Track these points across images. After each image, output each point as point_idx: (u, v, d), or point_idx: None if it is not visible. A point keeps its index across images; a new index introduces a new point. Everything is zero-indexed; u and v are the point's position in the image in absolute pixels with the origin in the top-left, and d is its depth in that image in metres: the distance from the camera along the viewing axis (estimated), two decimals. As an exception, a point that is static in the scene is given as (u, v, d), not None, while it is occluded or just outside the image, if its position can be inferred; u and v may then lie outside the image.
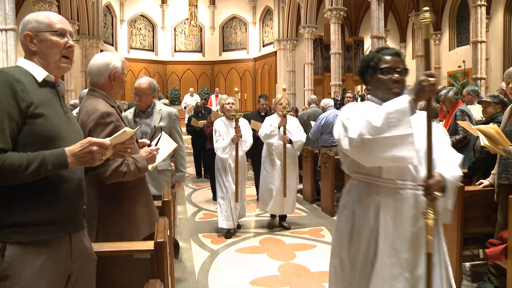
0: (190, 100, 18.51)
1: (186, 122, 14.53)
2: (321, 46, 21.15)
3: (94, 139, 1.84)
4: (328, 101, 8.49)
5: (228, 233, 6.05)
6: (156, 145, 2.98)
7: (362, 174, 2.37)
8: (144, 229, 2.78)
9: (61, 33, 2.01)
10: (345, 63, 21.10)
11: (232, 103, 6.07)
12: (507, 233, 3.64)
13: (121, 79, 2.79)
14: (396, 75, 2.39)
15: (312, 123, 8.33)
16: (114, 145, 1.96)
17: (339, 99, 15.72)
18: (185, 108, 18.07)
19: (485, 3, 14.26)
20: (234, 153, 5.86)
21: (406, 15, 24.12)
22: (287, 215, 6.65)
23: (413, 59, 23.69)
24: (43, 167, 1.78)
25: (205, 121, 9.21)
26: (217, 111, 8.31)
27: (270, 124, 6.31)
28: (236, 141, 5.75)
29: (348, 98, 10.61)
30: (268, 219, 6.79)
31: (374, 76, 2.43)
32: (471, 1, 14.29)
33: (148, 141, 2.96)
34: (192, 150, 11.53)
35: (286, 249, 5.52)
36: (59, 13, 16.29)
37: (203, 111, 10.96)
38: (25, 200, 1.84)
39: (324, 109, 8.20)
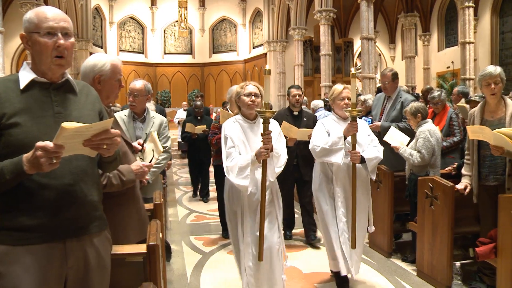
0: (183, 114, 15.13)
1: (179, 132, 12.44)
2: (311, 47, 21.20)
3: (39, 143, 1.70)
4: (318, 103, 8.51)
5: None
6: (143, 144, 3.03)
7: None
8: (133, 236, 2.74)
9: (50, 32, 1.94)
10: (335, 65, 21.16)
11: (256, 94, 3.61)
12: (497, 232, 3.68)
13: (109, 83, 2.65)
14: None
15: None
16: (90, 139, 1.79)
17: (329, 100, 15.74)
18: (178, 123, 15.07)
19: (473, 4, 14.37)
20: (258, 177, 3.52)
21: (395, 16, 24.23)
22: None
23: (402, 60, 23.81)
24: (2, 177, 1.78)
25: (204, 126, 8.04)
26: (225, 110, 6.29)
27: (327, 131, 4.13)
28: (264, 157, 3.32)
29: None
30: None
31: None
32: (459, 3, 14.40)
33: (139, 147, 2.98)
34: (188, 164, 9.61)
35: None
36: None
37: (203, 114, 8.84)
38: (4, 206, 1.87)
39: (314, 111, 8.21)
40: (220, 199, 5.85)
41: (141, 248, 2.38)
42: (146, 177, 3.51)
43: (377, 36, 22.46)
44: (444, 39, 22.69)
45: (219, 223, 6.17)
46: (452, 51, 20.80)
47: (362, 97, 6.90)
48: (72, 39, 2.03)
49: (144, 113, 4.26)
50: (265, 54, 24.04)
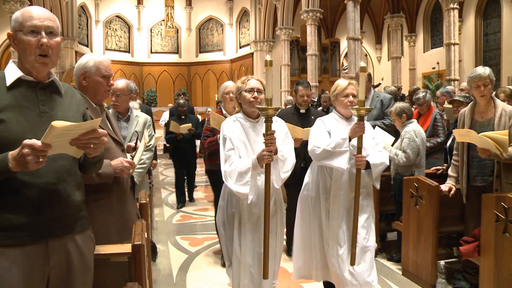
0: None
1: (164, 134, 12.16)
2: (298, 47, 21.25)
3: (26, 141, 1.70)
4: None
5: None
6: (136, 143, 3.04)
7: None
8: (113, 235, 2.69)
9: (34, 31, 1.94)
10: (322, 65, 21.24)
11: (259, 89, 3.23)
12: (480, 231, 3.73)
13: (94, 80, 2.72)
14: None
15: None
16: (77, 138, 1.81)
17: (315, 100, 15.82)
18: (165, 125, 14.51)
19: (458, 6, 14.51)
20: (260, 183, 3.14)
21: (381, 17, 24.38)
22: None
23: (388, 60, 23.97)
24: None
25: (189, 124, 7.71)
26: (219, 109, 5.46)
27: (327, 131, 3.60)
28: (267, 160, 2.92)
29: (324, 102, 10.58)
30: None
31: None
32: (444, 5, 14.53)
33: (133, 144, 2.99)
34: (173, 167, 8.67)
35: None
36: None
37: (186, 113, 8.27)
38: None
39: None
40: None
41: (126, 248, 2.37)
42: (135, 179, 3.50)
43: (364, 36, 22.60)
44: (430, 40, 22.89)
45: (205, 223, 6.14)
46: (438, 52, 20.99)
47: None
48: (58, 39, 2.02)
49: (128, 112, 4.23)
50: (252, 54, 24.04)
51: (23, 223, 1.88)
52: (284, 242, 3.46)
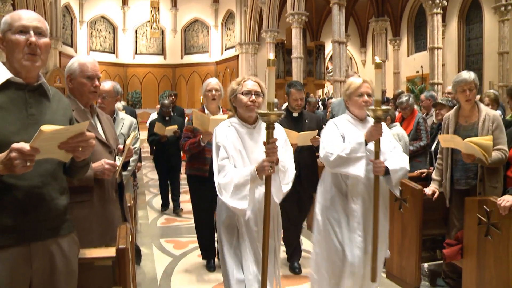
0: None
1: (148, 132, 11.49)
2: (283, 50, 21.30)
3: (15, 145, 1.70)
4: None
5: None
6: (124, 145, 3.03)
7: None
8: (96, 237, 2.65)
9: (23, 30, 1.95)
10: (307, 67, 21.31)
11: (257, 92, 2.92)
12: (463, 234, 3.77)
13: (79, 82, 2.74)
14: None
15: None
16: (66, 141, 1.82)
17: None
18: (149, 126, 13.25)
19: (441, 11, 14.70)
20: (258, 196, 2.84)
21: (366, 20, 24.60)
22: None
23: (373, 63, 24.15)
24: None
25: (175, 126, 7.22)
26: (202, 109, 4.74)
27: (341, 135, 3.28)
28: (268, 172, 2.62)
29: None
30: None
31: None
32: (427, 9, 14.71)
33: (122, 146, 2.99)
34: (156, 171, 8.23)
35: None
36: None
37: (172, 114, 7.81)
38: None
39: None
40: (196, 215, 4.89)
41: (110, 251, 2.35)
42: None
43: (349, 40, 22.75)
44: (414, 44, 23.15)
45: (190, 225, 6.09)
46: (422, 56, 21.23)
47: (333, 100, 6.97)
48: (46, 39, 2.03)
49: (113, 115, 4.20)
50: (237, 56, 24.07)
51: (6, 225, 1.87)
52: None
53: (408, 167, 3.24)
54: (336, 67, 15.04)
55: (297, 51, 17.76)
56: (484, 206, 3.51)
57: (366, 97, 3.23)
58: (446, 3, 14.86)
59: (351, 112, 3.37)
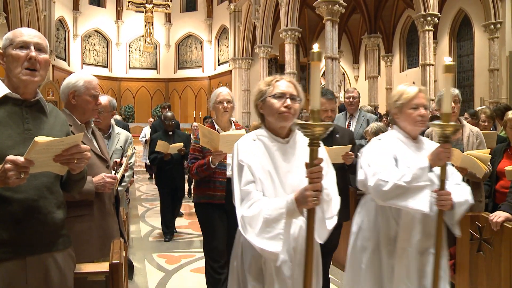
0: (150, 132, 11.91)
1: (146, 152, 10.69)
2: (276, 65, 21.40)
3: (9, 156, 1.71)
4: None
5: None
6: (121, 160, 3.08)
7: None
8: (93, 252, 2.66)
9: (23, 46, 1.98)
10: (300, 83, 21.27)
11: (293, 95, 2.36)
12: (455, 249, 3.79)
13: (84, 99, 2.78)
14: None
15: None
16: (60, 154, 1.82)
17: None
18: (145, 142, 12.35)
19: (432, 28, 14.87)
20: (293, 232, 2.25)
21: (359, 37, 24.79)
22: None
23: (365, 79, 24.31)
24: None
25: (181, 144, 6.52)
26: (210, 124, 3.82)
27: (394, 157, 2.63)
28: (313, 204, 1.99)
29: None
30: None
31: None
32: (419, 26, 14.88)
33: (118, 160, 3.07)
34: (158, 194, 7.15)
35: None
36: (8, 26, 15.83)
37: (174, 129, 6.95)
38: None
39: None
40: (207, 256, 3.95)
41: (104, 266, 2.34)
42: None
43: (341, 55, 22.92)
44: (406, 60, 23.35)
45: (182, 240, 6.06)
46: (414, 72, 21.40)
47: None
48: (46, 56, 2.06)
49: (109, 129, 4.21)
50: (230, 71, 24.15)
51: (2, 238, 1.87)
52: None
53: (471, 200, 2.61)
54: (329, 83, 15.11)
55: (290, 66, 17.86)
56: (476, 222, 3.54)
57: (422, 110, 2.64)
58: (437, 21, 15.04)
59: (402, 129, 2.75)
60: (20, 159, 1.70)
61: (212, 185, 3.81)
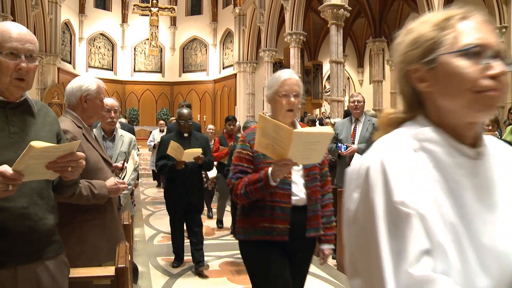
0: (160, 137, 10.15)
1: (153, 158, 10.37)
2: (281, 69, 21.34)
3: None
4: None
5: None
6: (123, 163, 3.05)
7: None
8: (102, 256, 2.66)
9: (14, 53, 1.83)
10: (304, 87, 21.36)
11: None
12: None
13: (95, 103, 2.78)
14: None
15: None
16: (55, 161, 1.72)
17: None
18: (154, 147, 10.91)
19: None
20: None
21: (363, 41, 24.80)
22: None
23: (370, 83, 24.31)
24: None
25: (199, 150, 5.02)
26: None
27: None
28: None
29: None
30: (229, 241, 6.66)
31: None
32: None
33: (120, 165, 3.02)
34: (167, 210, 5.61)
35: (246, 272, 5.46)
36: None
37: (191, 130, 5.32)
38: None
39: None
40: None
41: (109, 271, 2.33)
42: (122, 200, 3.48)
43: (346, 60, 22.91)
44: (410, 64, 23.35)
45: (187, 244, 6.01)
46: (418, 76, 21.39)
47: (332, 120, 7.01)
48: (36, 62, 1.94)
49: (113, 132, 4.22)
50: (235, 74, 24.16)
51: None
52: None
53: None
54: (333, 87, 15.10)
55: (294, 70, 17.83)
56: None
57: None
58: (442, 25, 15.06)
59: None
60: (9, 171, 1.62)
61: (269, 214, 2.60)
